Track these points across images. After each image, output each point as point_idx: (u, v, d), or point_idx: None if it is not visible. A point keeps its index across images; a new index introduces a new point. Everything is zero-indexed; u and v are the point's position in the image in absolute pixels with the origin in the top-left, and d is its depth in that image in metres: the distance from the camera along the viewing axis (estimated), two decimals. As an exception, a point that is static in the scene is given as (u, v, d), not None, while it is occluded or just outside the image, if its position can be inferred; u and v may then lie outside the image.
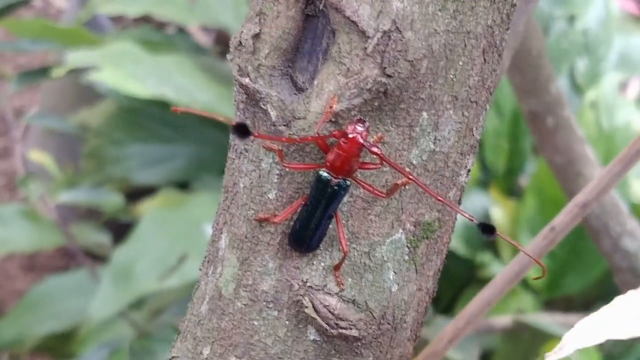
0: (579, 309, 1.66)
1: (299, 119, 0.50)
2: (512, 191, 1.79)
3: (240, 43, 0.51)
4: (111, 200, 1.82)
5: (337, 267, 0.52)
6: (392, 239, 0.53)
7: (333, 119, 0.50)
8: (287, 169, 0.52)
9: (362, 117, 0.49)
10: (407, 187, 0.52)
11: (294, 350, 0.54)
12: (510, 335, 1.47)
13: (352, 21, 0.48)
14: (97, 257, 1.86)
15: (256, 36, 0.51)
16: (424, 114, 0.51)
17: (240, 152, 0.54)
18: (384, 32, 0.48)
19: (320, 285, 0.53)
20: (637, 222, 1.21)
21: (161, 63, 1.70)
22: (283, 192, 0.52)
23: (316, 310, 0.52)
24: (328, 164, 0.50)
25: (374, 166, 0.51)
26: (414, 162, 0.52)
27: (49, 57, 2.35)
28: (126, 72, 1.62)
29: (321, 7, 0.50)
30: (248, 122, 0.52)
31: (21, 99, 2.62)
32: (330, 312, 0.52)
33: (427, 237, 0.54)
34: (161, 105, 1.70)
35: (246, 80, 0.51)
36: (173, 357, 0.58)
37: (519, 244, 0.52)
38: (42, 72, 1.83)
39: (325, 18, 0.50)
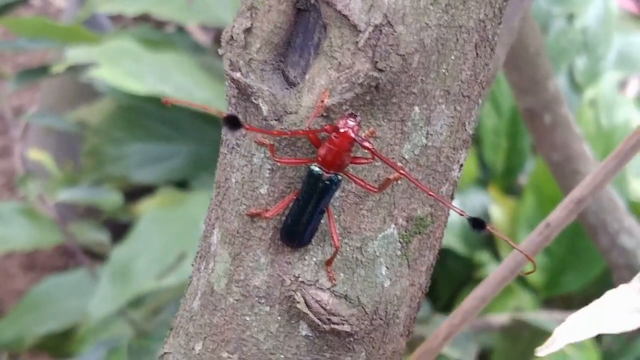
0: (579, 307, 1.66)
1: (290, 113, 0.50)
2: (511, 190, 1.79)
3: (232, 37, 0.51)
4: (110, 199, 1.82)
5: (329, 262, 0.52)
6: (384, 234, 0.53)
7: (324, 114, 0.50)
8: (278, 164, 0.51)
9: (353, 112, 0.49)
10: (399, 181, 0.52)
11: (286, 346, 0.54)
12: (509, 334, 1.47)
13: (344, 15, 0.48)
14: (96, 256, 1.87)
15: (248, 30, 0.50)
16: (416, 108, 0.51)
17: (232, 147, 0.54)
18: (376, 26, 0.48)
19: (312, 280, 0.52)
20: (634, 220, 1.21)
21: (160, 61, 1.70)
22: (275, 187, 0.52)
23: (308, 306, 0.52)
24: (319, 158, 0.50)
25: (366, 161, 0.51)
26: (406, 156, 0.52)
27: (48, 56, 2.36)
28: (125, 69, 1.62)
29: (312, 1, 0.50)
30: (240, 117, 0.52)
31: (20, 98, 2.62)
32: (322, 307, 0.52)
33: (419, 232, 0.54)
34: (160, 104, 1.69)
35: (238, 75, 0.51)
36: (165, 352, 0.58)
37: (510, 240, 0.52)
38: (41, 70, 1.83)
39: (316, 12, 0.50)
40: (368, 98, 0.49)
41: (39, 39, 1.81)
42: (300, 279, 0.52)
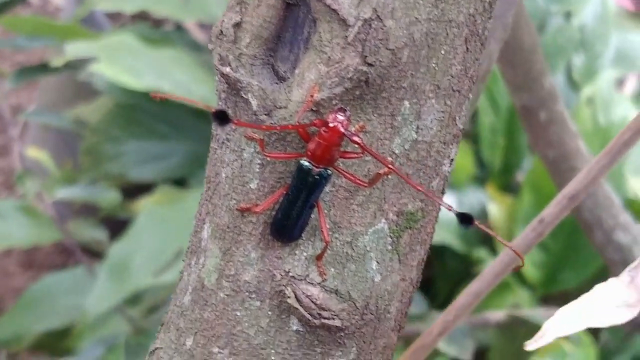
0: (576, 304, 1.66)
1: (280, 108, 0.50)
2: (508, 187, 1.79)
3: (222, 32, 0.51)
4: (108, 196, 1.82)
5: (319, 257, 0.52)
6: (374, 228, 0.53)
7: (314, 108, 0.50)
8: (268, 159, 0.51)
9: (343, 106, 0.49)
10: (389, 176, 0.52)
11: (276, 341, 0.54)
12: (506, 330, 1.47)
13: (333, 9, 0.48)
14: (94, 254, 1.87)
15: (237, 25, 0.50)
16: (406, 103, 0.51)
17: (222, 142, 0.54)
18: (365, 20, 0.48)
19: (302, 275, 0.52)
20: (630, 216, 1.21)
21: (159, 58, 1.70)
22: (265, 182, 0.52)
23: (298, 301, 0.52)
24: (309, 153, 0.50)
25: (356, 155, 0.51)
26: (396, 151, 0.52)
27: (46, 55, 2.35)
28: (124, 65, 1.62)
29: (302, -5, 0.50)
30: (229, 112, 0.52)
31: (18, 96, 2.62)
32: (312, 302, 0.52)
33: (410, 227, 0.54)
34: (158, 102, 1.69)
35: (227, 70, 0.51)
36: (156, 348, 0.58)
37: (497, 235, 0.52)
38: (40, 69, 1.83)
39: (306, 7, 0.50)
40: (358, 92, 0.49)
41: (37, 38, 1.81)
42: (290, 274, 0.52)
